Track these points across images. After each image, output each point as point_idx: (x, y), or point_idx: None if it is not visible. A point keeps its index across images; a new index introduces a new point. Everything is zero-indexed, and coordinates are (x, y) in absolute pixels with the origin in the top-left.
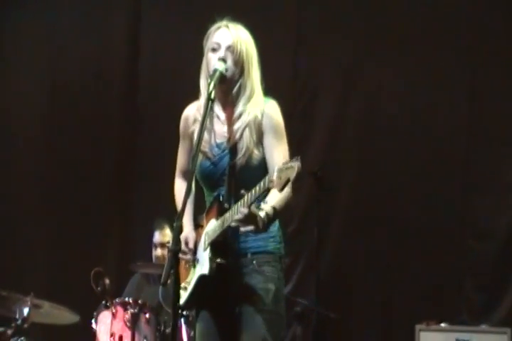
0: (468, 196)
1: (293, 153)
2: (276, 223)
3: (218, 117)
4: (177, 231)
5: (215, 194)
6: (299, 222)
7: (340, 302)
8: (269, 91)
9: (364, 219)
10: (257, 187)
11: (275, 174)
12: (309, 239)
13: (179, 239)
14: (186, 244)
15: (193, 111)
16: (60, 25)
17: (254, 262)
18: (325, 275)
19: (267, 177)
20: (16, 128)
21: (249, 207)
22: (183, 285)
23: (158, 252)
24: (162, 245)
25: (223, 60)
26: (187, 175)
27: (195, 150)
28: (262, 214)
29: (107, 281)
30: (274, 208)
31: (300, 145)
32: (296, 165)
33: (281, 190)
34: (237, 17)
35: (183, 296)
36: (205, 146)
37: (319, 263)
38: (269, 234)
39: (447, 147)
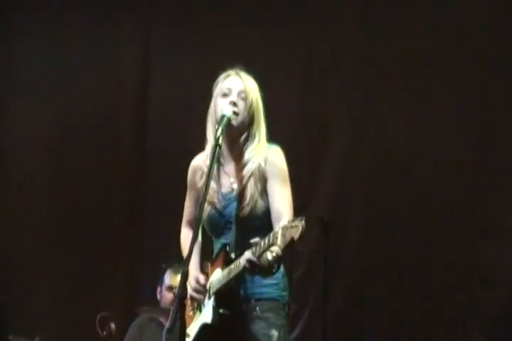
0: (477, 242)
1: (300, 198)
2: (281, 270)
3: (224, 170)
4: (184, 276)
5: (222, 242)
6: (305, 267)
7: None
8: (277, 135)
9: (372, 265)
10: (262, 243)
11: (280, 231)
12: (316, 284)
13: (186, 285)
14: (198, 282)
15: (200, 163)
16: (69, 69)
17: (257, 308)
18: (332, 322)
19: (272, 234)
20: (23, 170)
21: (258, 258)
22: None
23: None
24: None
25: (234, 103)
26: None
27: (202, 198)
28: (270, 255)
29: (113, 326)
30: (282, 249)
31: (308, 190)
32: (300, 224)
33: (285, 248)
34: (246, 60)
35: None
36: (213, 196)
37: (326, 309)
38: (273, 280)
39: (456, 193)
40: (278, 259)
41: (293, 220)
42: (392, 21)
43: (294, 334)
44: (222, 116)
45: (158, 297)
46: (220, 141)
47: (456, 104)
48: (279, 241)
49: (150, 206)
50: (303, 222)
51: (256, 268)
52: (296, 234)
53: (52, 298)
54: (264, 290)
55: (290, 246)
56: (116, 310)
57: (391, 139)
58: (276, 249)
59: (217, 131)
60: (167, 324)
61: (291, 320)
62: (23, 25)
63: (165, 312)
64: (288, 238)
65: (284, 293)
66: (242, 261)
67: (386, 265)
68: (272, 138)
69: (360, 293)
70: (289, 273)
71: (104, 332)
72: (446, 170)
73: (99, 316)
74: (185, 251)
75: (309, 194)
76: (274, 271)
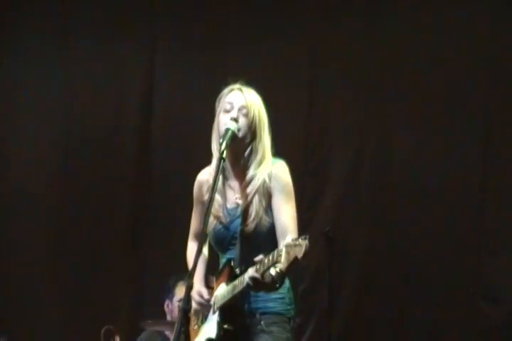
0: (481, 258)
1: (304, 212)
2: (287, 284)
3: (230, 185)
4: (188, 290)
5: (227, 257)
6: (310, 281)
7: None
8: (281, 149)
9: (376, 278)
10: (266, 260)
11: (283, 249)
12: (320, 298)
13: (190, 298)
14: (201, 296)
15: (206, 177)
16: (73, 82)
17: (262, 322)
18: (336, 336)
19: (275, 252)
20: (27, 185)
21: (262, 275)
22: None
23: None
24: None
25: (235, 119)
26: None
27: (206, 210)
28: (273, 271)
29: (118, 339)
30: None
31: (312, 204)
32: (304, 243)
33: (289, 266)
34: (250, 75)
35: None
36: (218, 211)
37: (330, 323)
38: (279, 295)
39: (461, 207)
40: (281, 275)
41: (297, 239)
42: (394, 36)
43: None
44: (227, 130)
45: (166, 310)
46: (225, 154)
47: (459, 117)
48: (282, 259)
49: (154, 219)
50: (307, 240)
51: (259, 285)
52: (300, 252)
53: (57, 311)
54: (270, 304)
55: (294, 265)
56: (120, 324)
57: (394, 152)
58: (279, 265)
59: (221, 144)
60: (171, 337)
61: (296, 334)
62: (27, 38)
63: (171, 325)
64: (292, 256)
65: (289, 307)
66: (246, 277)
67: (390, 278)
68: (276, 152)
69: (365, 307)
70: (293, 286)
71: None
72: (449, 183)
73: (103, 329)
74: (191, 265)
75: (313, 208)
76: (277, 286)
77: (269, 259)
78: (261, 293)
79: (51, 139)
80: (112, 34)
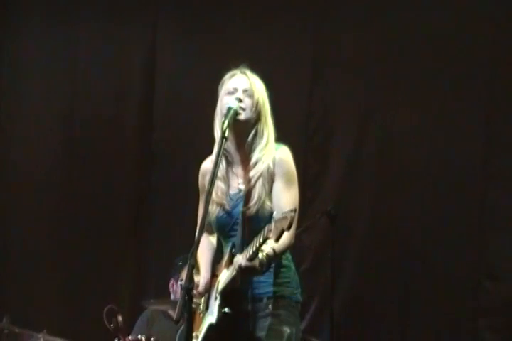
0: (484, 236)
1: (307, 191)
2: (292, 268)
3: (233, 171)
4: (190, 269)
5: (230, 243)
6: (312, 260)
7: None
8: (284, 128)
9: (378, 257)
10: (258, 237)
11: (273, 224)
12: (323, 278)
13: (192, 277)
14: (197, 287)
15: (209, 166)
16: (75, 67)
17: (269, 306)
18: (339, 315)
19: (266, 227)
20: (29, 167)
21: (250, 259)
22: (195, 334)
23: None
24: None
25: (240, 99)
26: (209, 230)
27: (206, 196)
28: (261, 255)
29: (120, 318)
30: (273, 250)
31: (314, 183)
32: (289, 216)
33: (277, 239)
34: (252, 54)
35: None
36: (222, 198)
37: (333, 302)
38: (285, 279)
39: (463, 185)
40: (268, 259)
41: (285, 212)
42: (398, 15)
43: (302, 326)
44: (229, 109)
45: (171, 290)
46: (227, 133)
47: (462, 96)
48: (272, 234)
49: (158, 200)
50: (293, 213)
51: (247, 272)
52: (285, 224)
53: (60, 290)
54: (276, 288)
55: (280, 237)
56: (123, 303)
57: (397, 131)
58: (267, 249)
59: (223, 123)
60: (175, 315)
61: (299, 312)
62: (29, 22)
63: (173, 304)
64: (279, 229)
65: (296, 291)
66: (235, 265)
67: (393, 257)
68: (279, 131)
69: (367, 285)
70: (296, 265)
71: (112, 325)
72: (452, 161)
73: (106, 308)
74: (202, 257)
75: (316, 186)
76: (264, 270)
77: (259, 236)
78: (267, 277)
79: (54, 117)
80: (114, 13)
